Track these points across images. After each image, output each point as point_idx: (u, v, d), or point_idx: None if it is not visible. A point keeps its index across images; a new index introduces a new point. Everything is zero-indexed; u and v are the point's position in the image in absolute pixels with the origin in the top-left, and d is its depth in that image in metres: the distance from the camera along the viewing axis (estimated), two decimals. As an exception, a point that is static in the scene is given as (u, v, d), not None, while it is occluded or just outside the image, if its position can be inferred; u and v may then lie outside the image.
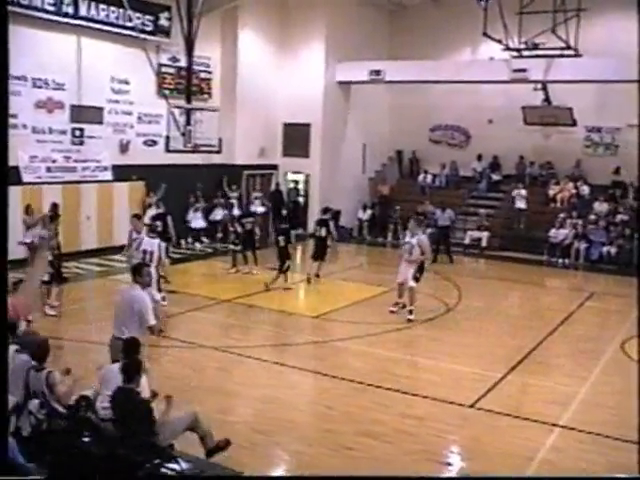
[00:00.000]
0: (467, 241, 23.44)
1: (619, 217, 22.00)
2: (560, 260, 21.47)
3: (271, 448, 7.76)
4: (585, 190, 23.74)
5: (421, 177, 26.86)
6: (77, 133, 19.04)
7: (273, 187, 25.42)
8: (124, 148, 20.41)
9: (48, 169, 18.38)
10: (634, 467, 7.62)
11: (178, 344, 11.51)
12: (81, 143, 19.18)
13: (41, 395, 6.65)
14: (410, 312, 13.65)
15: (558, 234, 21.71)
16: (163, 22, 20.66)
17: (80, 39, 18.80)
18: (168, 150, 20.91)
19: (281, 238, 16.40)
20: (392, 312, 14.01)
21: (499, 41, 21.23)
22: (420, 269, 13.83)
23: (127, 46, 19.58)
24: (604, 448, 8.22)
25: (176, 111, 18.72)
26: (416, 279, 13.76)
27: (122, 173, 20.14)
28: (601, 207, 22.62)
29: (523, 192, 23.66)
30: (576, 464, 7.77)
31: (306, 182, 25.50)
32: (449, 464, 7.92)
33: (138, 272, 8.16)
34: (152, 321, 7.86)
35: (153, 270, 10.66)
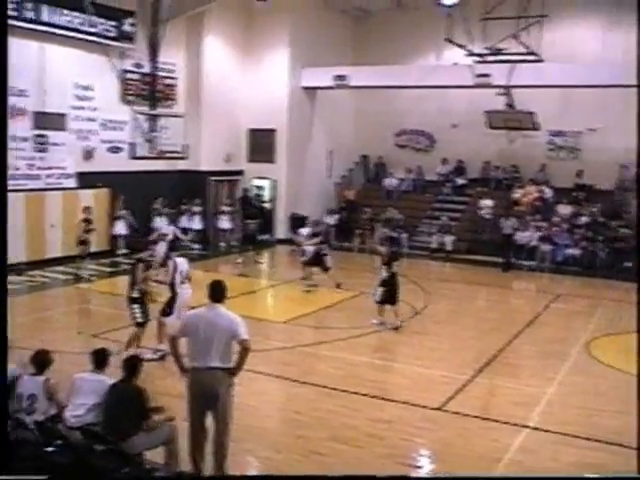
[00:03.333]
0: (433, 245, 23.58)
1: (582, 219, 22.29)
2: (526, 262, 21.70)
3: (241, 455, 7.71)
4: (549, 193, 24.02)
5: (387, 181, 26.96)
6: (40, 140, 18.81)
7: (241, 193, 25.37)
8: (88, 155, 20.21)
9: (11, 177, 18.12)
10: (603, 466, 7.75)
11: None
12: (44, 150, 18.95)
13: (28, 398, 6.74)
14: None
15: (523, 237, 21.94)
16: (127, 28, 20.49)
17: (42, 45, 18.59)
18: (133, 157, 20.78)
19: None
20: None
21: (462, 46, 21.41)
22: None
23: (90, 52, 19.42)
24: (572, 447, 8.32)
25: (141, 117, 18.63)
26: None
27: (87, 180, 19.95)
28: (564, 210, 22.90)
29: (489, 202, 23.89)
30: (544, 464, 7.84)
31: (273, 188, 25.45)
32: (419, 467, 7.95)
33: None
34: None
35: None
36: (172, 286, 11.44)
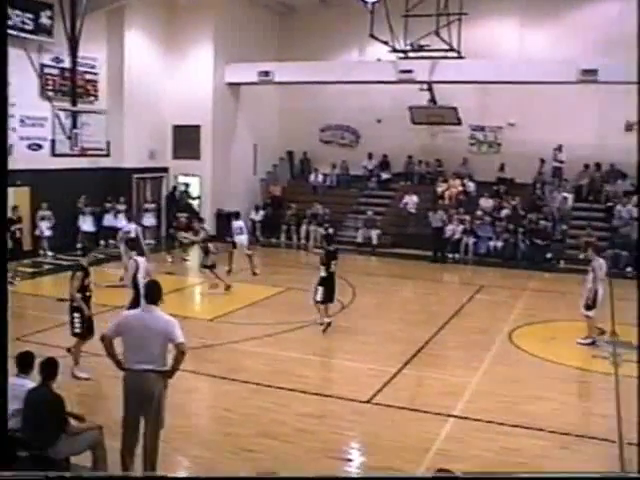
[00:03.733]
0: (359, 239, 23.77)
1: (504, 212, 22.83)
2: (450, 255, 22.12)
3: (172, 455, 7.64)
4: (471, 187, 24.53)
5: (312, 177, 27.06)
6: (-45, 137, 18.18)
7: (170, 189, 25.10)
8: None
9: None
10: (528, 452, 7.99)
11: (63, 353, 11.14)
12: (-41, 147, 18.32)
13: None
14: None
15: (447, 230, 22.34)
16: (45, 21, 19.94)
17: (-45, 39, 17.97)
18: (54, 154, 20.32)
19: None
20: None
21: (385, 42, 21.64)
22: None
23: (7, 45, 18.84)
24: (498, 435, 8.53)
25: (61, 114, 18.22)
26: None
27: (5, 178, 19.37)
28: (487, 203, 23.41)
29: (414, 198, 24.25)
30: (471, 452, 8.02)
31: (200, 184, 25.22)
32: (349, 460, 8.02)
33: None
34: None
35: None
36: (135, 285, 11.31)
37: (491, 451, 8.08)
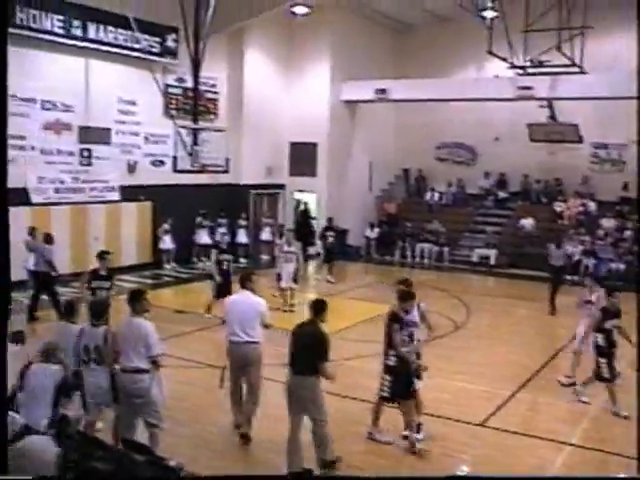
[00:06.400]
0: (475, 259, 23.43)
1: (627, 233, 21.95)
2: (569, 277, 21.39)
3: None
4: (592, 206, 23.73)
5: (428, 195, 26.91)
6: (85, 154, 19.16)
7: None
8: (132, 168, 20.53)
9: (56, 190, 18.48)
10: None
11: (184, 363, 11.48)
12: (89, 164, 19.29)
13: (94, 350, 7.46)
14: None
15: (566, 251, 21.64)
16: (170, 43, 20.82)
17: (88, 61, 18.97)
18: (175, 170, 21.08)
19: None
20: None
21: (504, 59, 21.31)
22: None
23: (134, 67, 19.73)
24: (619, 467, 8.15)
25: (183, 131, 18.76)
26: None
27: (130, 193, 20.25)
28: (609, 223, 22.59)
29: (531, 221, 23.77)
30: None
31: (317, 201, 25.52)
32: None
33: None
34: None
35: None
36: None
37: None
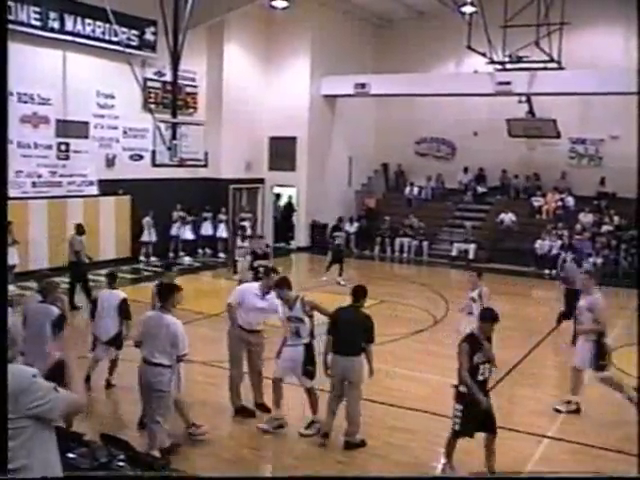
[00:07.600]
0: (454, 253, 23.52)
1: (604, 228, 22.12)
2: (547, 271, 21.56)
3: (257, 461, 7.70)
4: (570, 201, 23.89)
5: (407, 190, 26.96)
6: (63, 148, 19.01)
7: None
8: (110, 162, 20.39)
9: (33, 184, 18.31)
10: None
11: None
12: (67, 158, 19.14)
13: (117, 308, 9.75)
14: None
15: (544, 245, 21.81)
16: (149, 37, 20.69)
17: (66, 54, 18.79)
18: (154, 164, 20.97)
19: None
20: None
21: (483, 54, 21.40)
22: None
23: (113, 60, 19.57)
24: (595, 459, 8.22)
25: (162, 125, 18.69)
26: None
27: (108, 187, 20.12)
28: (586, 218, 22.75)
29: (510, 216, 23.90)
30: (564, 475, 7.76)
31: (296, 196, 25.56)
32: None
33: None
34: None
35: None
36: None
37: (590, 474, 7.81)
